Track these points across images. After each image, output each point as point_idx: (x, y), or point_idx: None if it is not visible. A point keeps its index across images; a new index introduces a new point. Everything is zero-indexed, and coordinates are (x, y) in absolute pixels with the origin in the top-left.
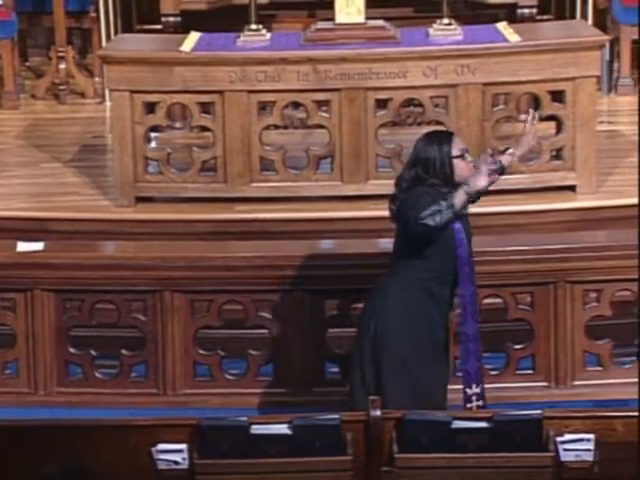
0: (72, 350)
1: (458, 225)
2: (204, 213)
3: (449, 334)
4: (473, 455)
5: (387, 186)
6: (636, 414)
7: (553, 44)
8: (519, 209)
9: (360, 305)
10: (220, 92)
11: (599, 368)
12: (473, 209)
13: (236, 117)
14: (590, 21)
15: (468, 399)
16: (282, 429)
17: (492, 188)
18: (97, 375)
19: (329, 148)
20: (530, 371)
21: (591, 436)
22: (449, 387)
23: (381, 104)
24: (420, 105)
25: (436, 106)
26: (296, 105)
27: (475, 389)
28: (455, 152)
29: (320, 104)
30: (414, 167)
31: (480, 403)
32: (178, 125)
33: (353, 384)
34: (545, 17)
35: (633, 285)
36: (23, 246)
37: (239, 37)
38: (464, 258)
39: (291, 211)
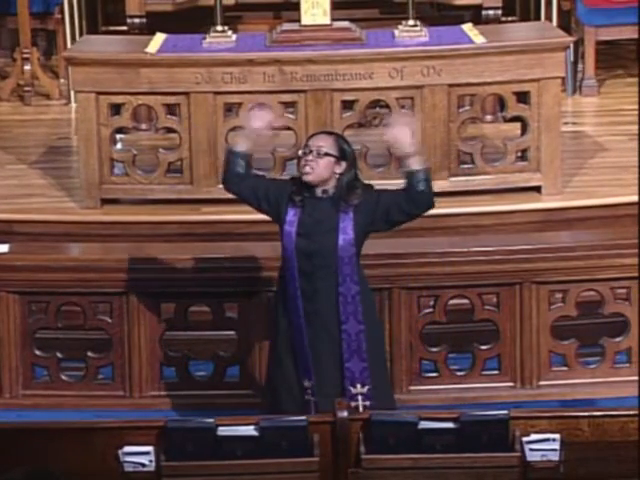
0: (38, 352)
1: (294, 218)
2: (170, 215)
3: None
4: (440, 456)
5: None
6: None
7: (518, 45)
8: (484, 210)
9: None
10: (186, 93)
11: (565, 368)
12: (438, 210)
13: (202, 118)
14: (554, 22)
15: (352, 397)
16: (249, 430)
17: (456, 189)
18: (63, 377)
19: (295, 149)
20: (496, 371)
21: (557, 436)
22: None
23: (347, 105)
24: (386, 106)
25: (402, 107)
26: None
27: (360, 389)
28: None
29: (286, 105)
30: None
31: (367, 403)
32: (144, 127)
33: None
34: (510, 18)
35: (598, 285)
36: None
37: (205, 38)
38: (288, 251)
39: (257, 212)
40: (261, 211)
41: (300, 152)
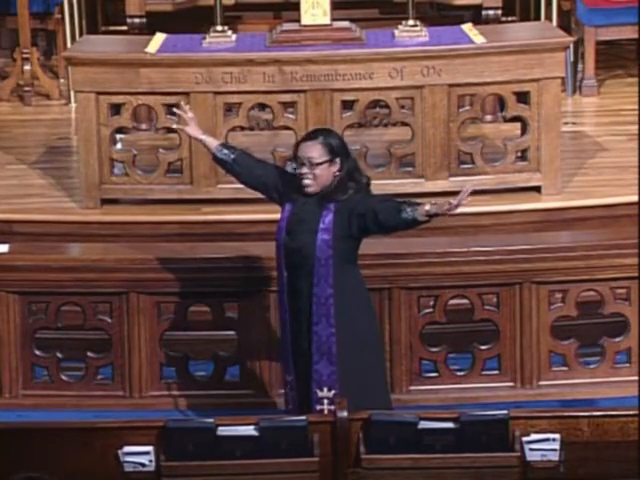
0: (38, 352)
1: (286, 213)
2: (170, 215)
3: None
4: (439, 456)
5: None
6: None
7: (518, 45)
8: (484, 210)
9: None
10: (186, 93)
11: (564, 368)
12: None
13: (202, 118)
14: (554, 22)
15: (318, 401)
16: (249, 430)
17: (456, 189)
18: (63, 377)
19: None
20: (496, 371)
21: (557, 436)
22: None
23: (347, 105)
24: (386, 106)
25: (402, 107)
26: (262, 106)
27: (327, 392)
28: None
29: (286, 105)
30: None
31: (332, 408)
32: (144, 127)
33: None
34: (510, 18)
35: (598, 285)
36: None
37: (205, 38)
38: (278, 246)
39: (257, 212)
40: (271, 199)
41: (294, 164)
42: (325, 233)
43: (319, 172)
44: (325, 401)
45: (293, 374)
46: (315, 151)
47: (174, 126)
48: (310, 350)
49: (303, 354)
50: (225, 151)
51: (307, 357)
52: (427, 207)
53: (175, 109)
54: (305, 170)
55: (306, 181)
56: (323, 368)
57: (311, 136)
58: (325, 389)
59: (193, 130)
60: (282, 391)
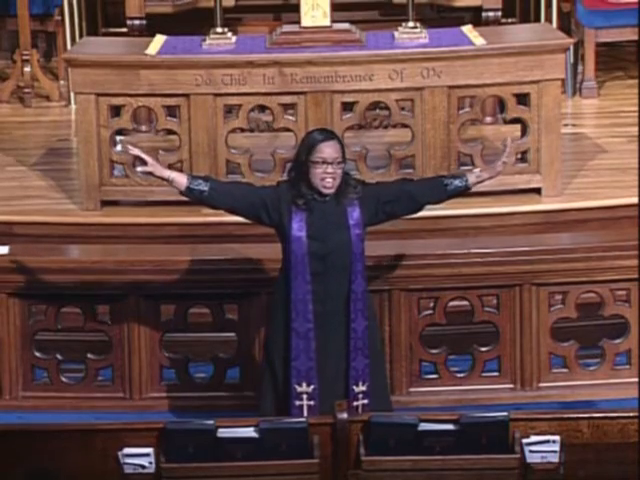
0: (38, 354)
1: (301, 222)
2: (170, 217)
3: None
4: (439, 457)
5: None
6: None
7: (518, 47)
8: (484, 212)
9: None
10: (186, 95)
11: (564, 370)
12: (438, 211)
13: (202, 120)
14: (554, 24)
15: (354, 396)
16: (249, 432)
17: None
18: (63, 379)
19: (295, 151)
20: (496, 373)
21: (557, 438)
22: None
23: (347, 107)
24: (386, 108)
25: (402, 109)
26: (262, 108)
27: (362, 387)
28: (313, 158)
29: (286, 107)
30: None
31: (365, 402)
32: (144, 128)
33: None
34: (510, 20)
35: (598, 287)
36: None
37: (205, 40)
38: (298, 256)
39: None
40: (258, 221)
41: (317, 164)
42: (357, 228)
43: (340, 171)
44: (360, 395)
45: (317, 382)
46: (338, 151)
47: (138, 169)
48: (347, 349)
49: (327, 358)
50: (199, 181)
51: (338, 358)
52: (474, 179)
53: (129, 150)
54: (331, 170)
55: (331, 180)
56: (359, 363)
57: (328, 136)
58: (360, 383)
59: (158, 170)
60: (296, 403)
